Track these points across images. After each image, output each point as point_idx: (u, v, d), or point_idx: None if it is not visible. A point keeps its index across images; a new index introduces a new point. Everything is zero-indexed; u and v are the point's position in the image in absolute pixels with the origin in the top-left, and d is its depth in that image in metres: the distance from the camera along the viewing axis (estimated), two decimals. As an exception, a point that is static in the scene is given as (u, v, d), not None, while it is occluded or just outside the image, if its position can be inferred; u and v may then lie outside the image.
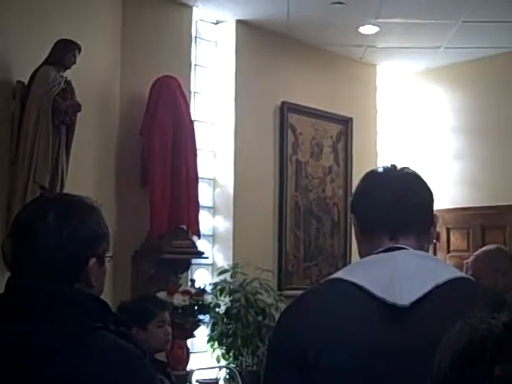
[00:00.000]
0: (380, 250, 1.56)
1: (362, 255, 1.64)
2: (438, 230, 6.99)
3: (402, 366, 1.40)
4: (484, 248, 2.89)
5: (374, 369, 1.41)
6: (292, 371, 1.46)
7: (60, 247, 1.47)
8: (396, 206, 1.59)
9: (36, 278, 1.46)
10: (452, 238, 7.12)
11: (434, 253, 7.05)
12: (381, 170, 1.71)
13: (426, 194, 1.65)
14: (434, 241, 6.95)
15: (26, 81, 4.01)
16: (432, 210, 1.65)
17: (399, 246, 1.56)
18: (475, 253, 2.89)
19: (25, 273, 1.49)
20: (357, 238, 1.68)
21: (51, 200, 1.67)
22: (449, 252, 7.10)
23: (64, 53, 4.20)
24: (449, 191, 7.09)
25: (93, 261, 1.51)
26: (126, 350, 1.44)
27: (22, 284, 1.47)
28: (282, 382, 1.50)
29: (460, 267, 3.77)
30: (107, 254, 1.58)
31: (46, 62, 4.11)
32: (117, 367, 1.41)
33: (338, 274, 1.55)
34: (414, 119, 7.59)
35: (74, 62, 4.29)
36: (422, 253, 1.58)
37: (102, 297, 1.56)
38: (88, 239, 1.51)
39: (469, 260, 3.22)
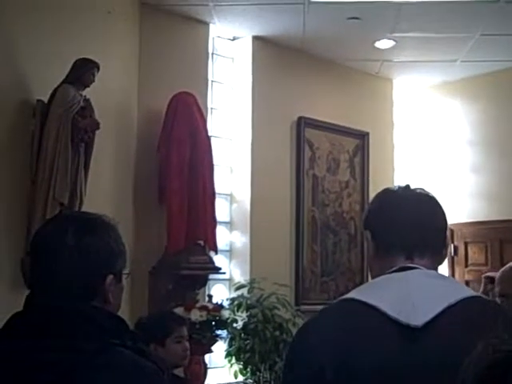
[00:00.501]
0: (392, 269, 1.58)
1: (373, 274, 1.65)
2: (456, 243, 6.97)
3: None
4: (510, 264, 2.87)
5: None
6: None
7: (78, 265, 1.49)
8: (412, 225, 1.61)
9: (54, 295, 1.48)
10: (470, 252, 7.07)
11: (452, 267, 7.02)
12: (395, 188, 1.71)
13: (441, 215, 1.66)
14: (452, 255, 6.92)
15: (45, 99, 4.05)
16: (446, 231, 1.67)
17: (411, 265, 1.57)
18: (501, 269, 2.87)
19: (43, 290, 1.51)
20: (369, 256, 1.68)
21: (69, 218, 1.68)
22: (467, 266, 7.05)
23: (83, 71, 4.24)
24: (466, 205, 7.07)
25: (110, 278, 1.53)
26: (143, 367, 1.44)
27: (40, 302, 1.49)
28: None
29: (478, 281, 3.75)
30: (124, 271, 1.60)
31: (66, 81, 4.16)
32: (131, 382, 1.41)
33: (352, 294, 1.56)
34: (430, 133, 7.58)
35: (93, 81, 4.33)
36: (434, 272, 1.59)
37: (120, 313, 1.57)
38: (105, 256, 1.53)
39: (490, 274, 3.20)
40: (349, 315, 1.52)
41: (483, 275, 3.29)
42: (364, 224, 1.71)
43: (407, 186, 1.69)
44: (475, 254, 7.04)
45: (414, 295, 1.48)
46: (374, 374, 1.43)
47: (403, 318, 1.45)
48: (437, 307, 1.46)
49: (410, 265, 1.57)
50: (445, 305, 1.46)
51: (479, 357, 0.83)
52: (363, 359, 1.44)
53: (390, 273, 1.57)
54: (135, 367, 1.43)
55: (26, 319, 1.48)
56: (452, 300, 1.47)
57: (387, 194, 1.71)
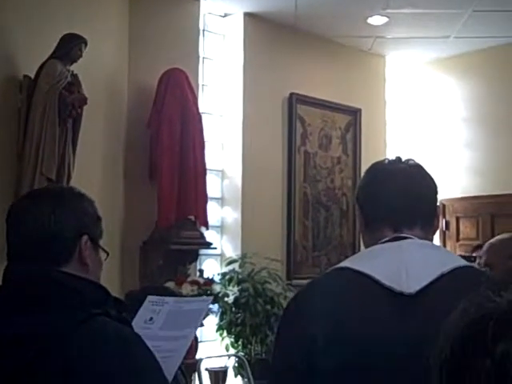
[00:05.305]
0: (385, 239, 1.59)
1: (366, 246, 1.67)
2: (447, 218, 7.01)
3: (409, 353, 1.41)
4: (498, 236, 2.94)
5: (382, 356, 1.44)
6: (301, 357, 1.48)
7: (52, 227, 1.52)
8: (400, 198, 1.62)
9: (29, 262, 1.50)
10: (461, 227, 7.12)
11: (444, 241, 7.07)
12: (385, 162, 1.72)
13: (431, 186, 1.67)
14: (444, 229, 6.97)
15: (32, 75, 4.07)
16: (436, 202, 1.67)
17: (404, 235, 1.59)
18: (489, 241, 2.94)
19: (18, 259, 1.53)
20: (360, 230, 1.72)
21: (43, 189, 1.74)
22: (458, 240, 7.11)
23: (70, 46, 4.25)
24: (459, 180, 7.10)
25: (85, 238, 1.55)
26: (127, 336, 1.45)
27: (15, 274, 1.51)
28: (291, 369, 1.51)
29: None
30: (101, 244, 1.61)
31: (53, 56, 4.16)
32: (116, 352, 1.41)
33: (345, 263, 1.58)
34: (424, 109, 7.59)
35: (81, 56, 4.33)
36: (426, 242, 1.61)
37: (111, 287, 1.56)
38: (80, 217, 1.56)
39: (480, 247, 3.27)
40: (342, 284, 1.54)
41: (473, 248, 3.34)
42: (355, 199, 1.73)
43: (397, 159, 1.70)
44: (467, 229, 7.08)
45: (407, 264, 1.50)
46: (366, 341, 1.45)
47: (396, 285, 1.47)
48: (430, 275, 1.48)
49: (403, 235, 1.59)
50: (438, 273, 1.48)
51: (462, 313, 0.78)
52: (356, 327, 1.46)
53: (382, 243, 1.59)
54: (118, 337, 1.42)
55: (2, 295, 1.50)
56: (445, 269, 1.49)
57: (376, 168, 1.73)
